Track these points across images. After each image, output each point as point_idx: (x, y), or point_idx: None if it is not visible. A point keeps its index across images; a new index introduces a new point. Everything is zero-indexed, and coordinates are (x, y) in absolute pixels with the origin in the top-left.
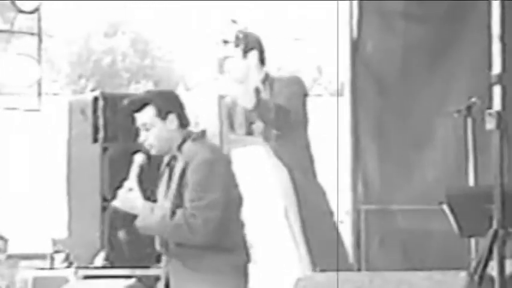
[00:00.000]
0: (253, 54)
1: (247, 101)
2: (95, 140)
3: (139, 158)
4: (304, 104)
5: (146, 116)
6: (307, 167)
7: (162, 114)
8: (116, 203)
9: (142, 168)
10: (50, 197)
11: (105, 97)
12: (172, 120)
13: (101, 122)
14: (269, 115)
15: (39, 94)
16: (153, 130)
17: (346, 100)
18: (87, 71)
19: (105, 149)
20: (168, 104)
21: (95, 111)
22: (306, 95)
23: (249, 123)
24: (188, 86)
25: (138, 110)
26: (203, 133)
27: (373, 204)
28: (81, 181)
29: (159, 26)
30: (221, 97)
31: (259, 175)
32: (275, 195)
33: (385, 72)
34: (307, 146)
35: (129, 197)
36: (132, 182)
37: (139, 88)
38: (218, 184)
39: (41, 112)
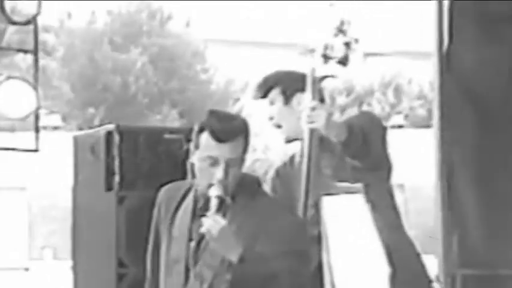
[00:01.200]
0: (297, 98)
1: (339, 133)
2: (109, 188)
3: (215, 191)
4: (384, 144)
5: (236, 151)
6: (395, 220)
7: (244, 153)
8: (206, 232)
9: (221, 201)
10: (52, 265)
11: (122, 131)
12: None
13: (116, 164)
14: (359, 151)
15: (37, 129)
16: (233, 169)
17: (434, 132)
18: (95, 97)
19: (121, 199)
20: (249, 140)
21: (108, 150)
22: (385, 133)
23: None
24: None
25: (226, 141)
26: (260, 182)
27: (473, 268)
28: (91, 241)
29: (189, 36)
30: (313, 130)
31: (362, 231)
32: (379, 258)
33: (487, 94)
34: (391, 194)
35: (223, 231)
36: (216, 214)
37: (159, 120)
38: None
39: (39, 152)
